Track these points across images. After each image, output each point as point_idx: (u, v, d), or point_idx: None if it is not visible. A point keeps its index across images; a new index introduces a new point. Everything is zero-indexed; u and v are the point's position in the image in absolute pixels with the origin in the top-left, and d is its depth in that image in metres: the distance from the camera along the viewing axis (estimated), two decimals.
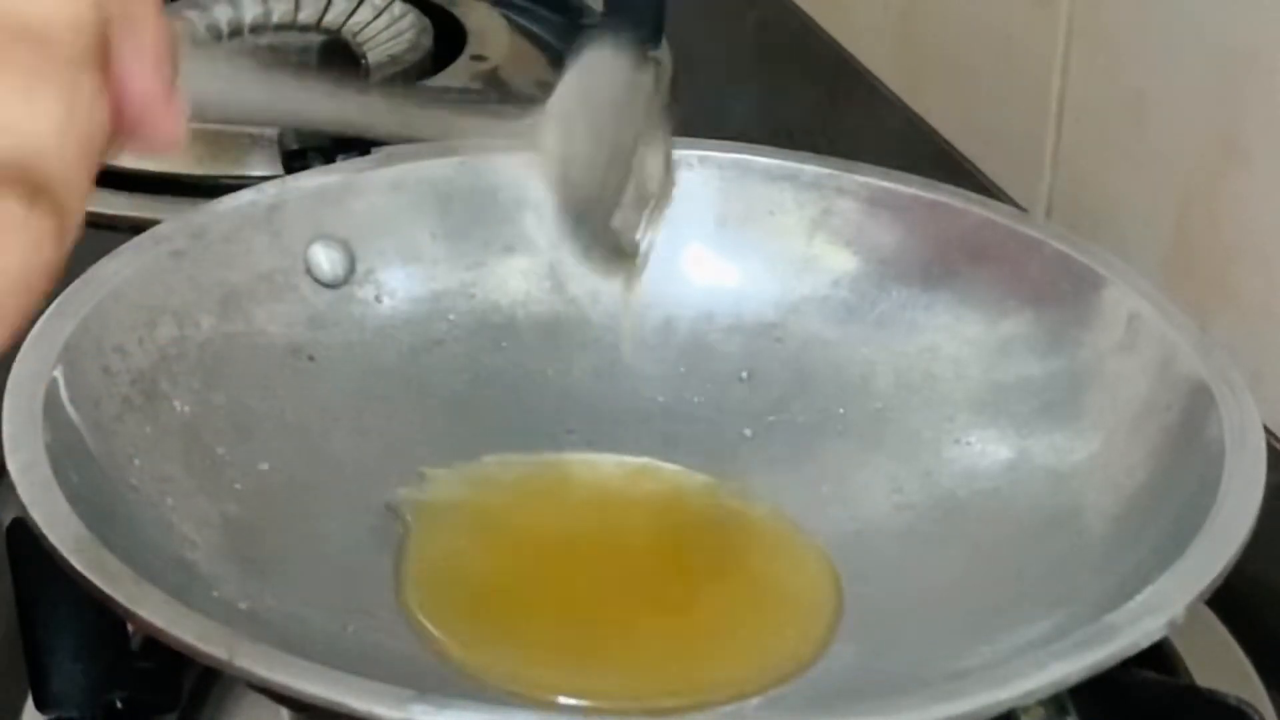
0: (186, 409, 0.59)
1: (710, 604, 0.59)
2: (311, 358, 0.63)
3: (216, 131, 0.87)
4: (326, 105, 0.48)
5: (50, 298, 0.57)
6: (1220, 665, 0.59)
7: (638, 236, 0.55)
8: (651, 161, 0.55)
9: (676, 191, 0.67)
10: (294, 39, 0.97)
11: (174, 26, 0.41)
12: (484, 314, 0.67)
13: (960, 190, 0.67)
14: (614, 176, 0.54)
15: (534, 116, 0.53)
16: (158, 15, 0.41)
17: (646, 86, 0.55)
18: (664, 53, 0.94)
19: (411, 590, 0.58)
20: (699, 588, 0.59)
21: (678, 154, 0.67)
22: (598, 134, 0.54)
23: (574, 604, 0.58)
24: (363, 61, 0.89)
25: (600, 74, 0.55)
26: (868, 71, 0.97)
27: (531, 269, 0.67)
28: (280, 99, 0.47)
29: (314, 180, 0.66)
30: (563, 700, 0.54)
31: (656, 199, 0.56)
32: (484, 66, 0.93)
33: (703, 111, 0.91)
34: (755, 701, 0.55)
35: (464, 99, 0.81)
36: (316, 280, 0.65)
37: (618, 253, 0.55)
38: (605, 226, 0.54)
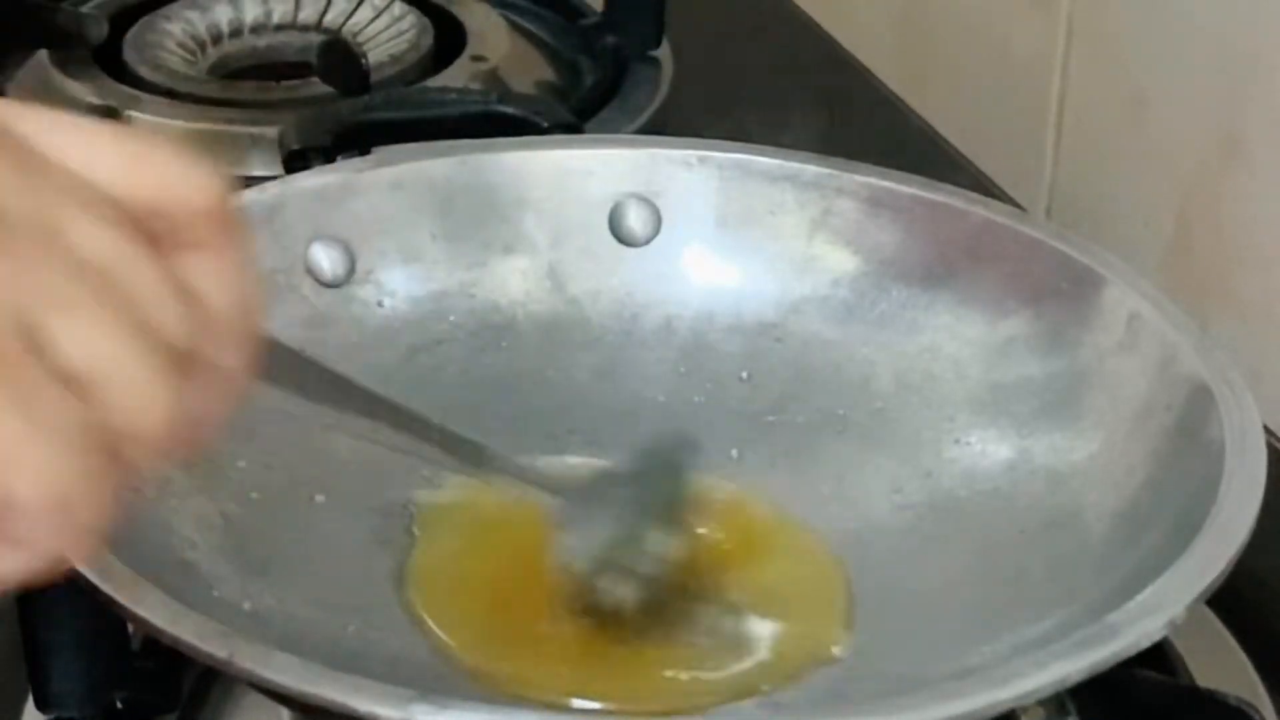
0: None
1: (713, 604, 0.59)
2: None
3: (216, 132, 0.87)
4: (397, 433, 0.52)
5: None
6: (1220, 665, 0.59)
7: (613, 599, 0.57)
8: (656, 549, 0.58)
9: (676, 193, 0.68)
10: (294, 39, 0.97)
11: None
12: (484, 314, 0.67)
13: (960, 190, 0.67)
14: (617, 548, 0.58)
15: (572, 487, 0.58)
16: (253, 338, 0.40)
17: (678, 500, 0.59)
18: (664, 52, 0.94)
19: (416, 591, 0.58)
20: (697, 588, 0.59)
21: (678, 154, 0.68)
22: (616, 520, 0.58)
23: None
24: (363, 61, 0.89)
25: (643, 477, 0.59)
26: (868, 71, 0.97)
27: (531, 269, 0.67)
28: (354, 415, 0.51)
29: (314, 180, 0.66)
30: (564, 701, 0.54)
31: (642, 580, 0.58)
32: (484, 66, 0.93)
33: (703, 111, 0.91)
34: (754, 701, 0.55)
35: (466, 99, 0.81)
36: (316, 280, 0.65)
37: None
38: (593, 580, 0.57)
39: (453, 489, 0.61)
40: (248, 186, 0.65)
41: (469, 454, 0.55)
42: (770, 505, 0.62)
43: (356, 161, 0.68)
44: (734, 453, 0.64)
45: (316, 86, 0.90)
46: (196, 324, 0.38)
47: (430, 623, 0.56)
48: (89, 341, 0.36)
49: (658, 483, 0.59)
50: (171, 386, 0.37)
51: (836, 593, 0.59)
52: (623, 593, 0.57)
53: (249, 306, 0.40)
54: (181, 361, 0.37)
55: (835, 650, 0.56)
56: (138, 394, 0.36)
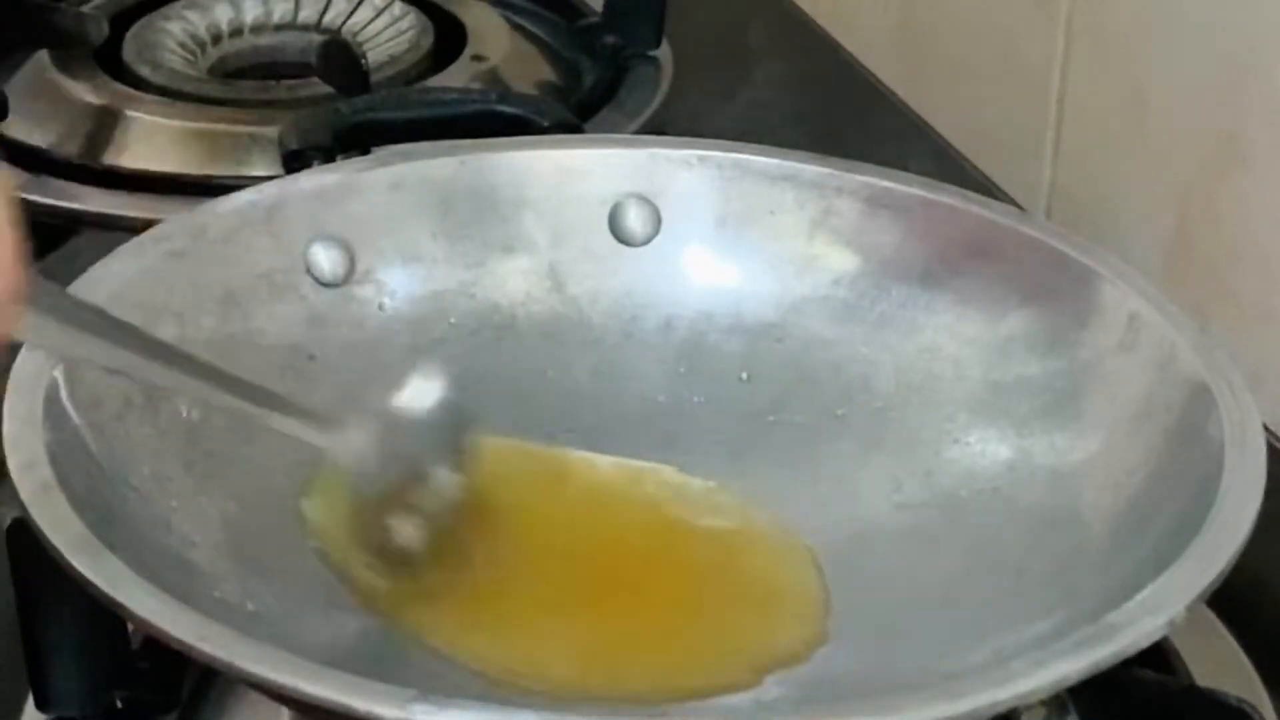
0: (187, 409, 0.59)
1: (701, 602, 0.59)
2: (312, 357, 0.63)
3: (216, 131, 0.87)
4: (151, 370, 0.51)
5: None
6: (1220, 665, 0.59)
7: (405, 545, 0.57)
8: (437, 485, 0.57)
9: (676, 193, 0.68)
10: (294, 39, 0.97)
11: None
12: (484, 314, 0.67)
13: (960, 190, 0.67)
14: (398, 489, 0.57)
15: (338, 425, 0.56)
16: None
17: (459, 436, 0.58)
18: (664, 52, 0.94)
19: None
20: (692, 587, 0.59)
21: (678, 154, 0.68)
22: (393, 455, 0.56)
23: (567, 603, 0.58)
24: (363, 61, 0.89)
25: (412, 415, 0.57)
26: (868, 71, 0.97)
27: (531, 269, 0.67)
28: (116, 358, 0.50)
29: (314, 180, 0.66)
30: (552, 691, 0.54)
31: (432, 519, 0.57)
32: (484, 66, 0.93)
33: (703, 111, 0.91)
34: (751, 699, 0.55)
35: (466, 99, 0.81)
36: (316, 280, 0.65)
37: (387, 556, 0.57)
38: (380, 527, 0.56)
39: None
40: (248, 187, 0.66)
41: (239, 391, 0.54)
42: (760, 504, 0.62)
43: (356, 161, 0.68)
44: (747, 431, 0.64)
45: (316, 86, 0.90)
46: None
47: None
48: None
49: (439, 429, 0.58)
50: None
51: (815, 594, 0.58)
52: (411, 533, 0.56)
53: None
54: None
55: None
56: None
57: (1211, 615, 0.60)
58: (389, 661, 0.54)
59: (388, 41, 0.95)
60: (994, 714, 0.46)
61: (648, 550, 0.61)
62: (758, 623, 0.58)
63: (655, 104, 0.91)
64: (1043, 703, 0.54)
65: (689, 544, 0.61)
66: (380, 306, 0.66)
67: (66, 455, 0.52)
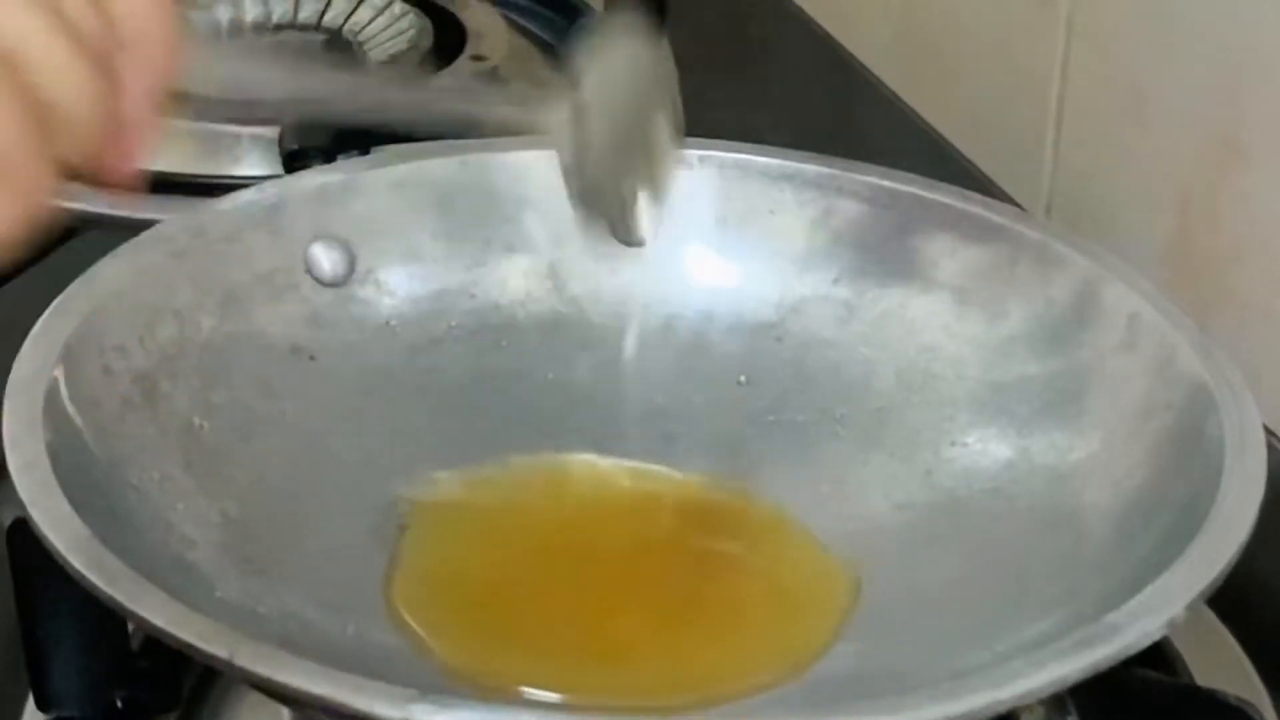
0: (187, 409, 0.59)
1: (711, 605, 0.59)
2: (312, 357, 0.63)
3: (216, 131, 0.87)
4: (339, 90, 0.51)
5: (50, 297, 0.58)
6: (1220, 665, 0.59)
7: (643, 223, 0.56)
8: (660, 143, 0.57)
9: (676, 191, 0.68)
10: (294, 39, 0.97)
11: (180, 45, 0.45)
12: (484, 314, 0.67)
13: (960, 190, 0.67)
14: (626, 164, 0.56)
15: (548, 107, 0.55)
16: (167, 41, 0.44)
17: (660, 71, 0.57)
18: (664, 52, 0.94)
19: (402, 590, 0.57)
20: (700, 588, 0.59)
21: (678, 154, 0.68)
22: (614, 124, 0.55)
23: (570, 605, 0.58)
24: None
25: (617, 63, 0.56)
26: (868, 71, 0.97)
27: (531, 269, 0.67)
28: (292, 84, 0.51)
29: (314, 180, 0.66)
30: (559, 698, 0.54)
31: (661, 179, 0.57)
32: (484, 66, 0.93)
33: (703, 111, 0.91)
34: (754, 701, 0.55)
35: (470, 90, 0.81)
36: (316, 280, 0.65)
37: (626, 237, 0.57)
38: (618, 212, 0.56)
39: (448, 488, 0.61)
40: (248, 186, 0.66)
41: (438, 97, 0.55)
42: (770, 504, 0.62)
43: (356, 161, 0.68)
44: (747, 431, 0.64)
45: None
46: (109, 28, 0.42)
47: (414, 623, 0.56)
48: (5, 18, 0.40)
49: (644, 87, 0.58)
50: (89, 69, 0.41)
51: (838, 595, 0.58)
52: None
53: (162, 25, 0.44)
54: (99, 59, 0.41)
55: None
56: (57, 67, 0.40)
57: (1211, 615, 0.60)
58: (389, 661, 0.54)
59: (388, 41, 0.95)
60: (994, 714, 0.46)
61: (650, 552, 0.61)
62: (780, 619, 0.58)
63: None
64: (1043, 703, 0.54)
65: (693, 544, 0.61)
66: (380, 306, 0.66)
67: (66, 455, 0.52)
